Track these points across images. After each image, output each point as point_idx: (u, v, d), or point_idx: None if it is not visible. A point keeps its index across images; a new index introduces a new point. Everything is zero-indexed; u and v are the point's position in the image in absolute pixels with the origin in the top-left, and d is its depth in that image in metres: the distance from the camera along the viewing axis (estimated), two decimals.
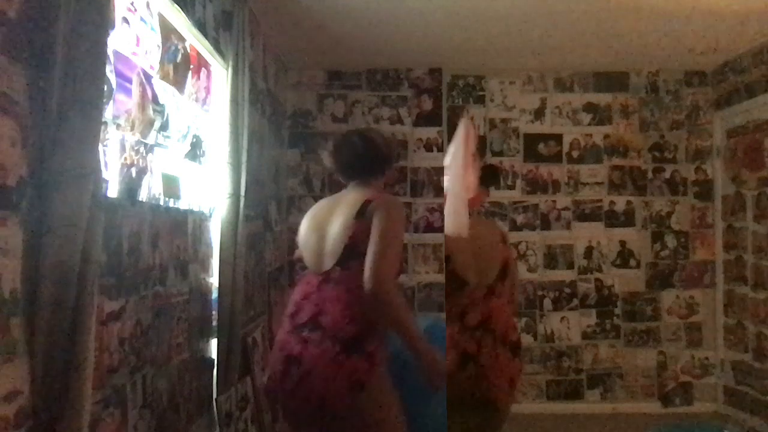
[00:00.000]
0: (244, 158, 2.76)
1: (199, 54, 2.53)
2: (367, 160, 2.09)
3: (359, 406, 1.83)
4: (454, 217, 2.48)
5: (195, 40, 2.43)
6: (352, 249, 1.91)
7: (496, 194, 4.58)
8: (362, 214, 1.92)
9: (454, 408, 2.31)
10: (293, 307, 2.01)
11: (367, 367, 1.84)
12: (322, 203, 2.15)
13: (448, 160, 2.58)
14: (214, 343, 2.62)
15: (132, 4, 1.82)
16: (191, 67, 2.42)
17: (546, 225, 4.60)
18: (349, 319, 1.87)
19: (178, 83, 2.26)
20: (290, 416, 2.05)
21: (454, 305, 2.54)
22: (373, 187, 2.07)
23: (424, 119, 4.60)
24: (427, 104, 4.61)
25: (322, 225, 2.02)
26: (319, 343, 1.86)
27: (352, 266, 1.90)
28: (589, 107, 4.64)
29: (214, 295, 2.63)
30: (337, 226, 1.96)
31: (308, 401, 1.85)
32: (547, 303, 4.56)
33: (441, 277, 4.49)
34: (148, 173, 1.94)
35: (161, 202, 2.07)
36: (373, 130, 2.21)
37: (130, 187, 1.81)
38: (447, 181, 2.64)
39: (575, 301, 4.56)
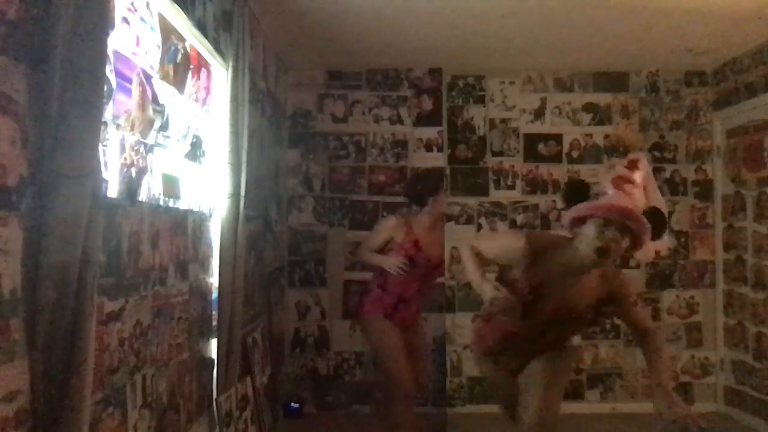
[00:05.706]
0: (244, 158, 2.75)
1: (199, 54, 2.52)
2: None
3: None
4: None
5: (195, 40, 2.43)
6: None
7: (497, 194, 4.58)
8: None
9: None
10: None
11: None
12: None
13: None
14: (214, 343, 2.62)
15: (132, 4, 1.82)
16: (191, 67, 2.42)
17: (546, 225, 4.59)
18: None
19: (178, 83, 2.26)
20: None
21: None
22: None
23: (424, 119, 4.59)
24: (427, 104, 4.60)
25: None
26: None
27: None
28: (589, 107, 4.64)
29: (214, 295, 2.63)
30: None
31: None
32: None
33: (441, 277, 4.48)
34: (148, 173, 1.94)
35: (161, 202, 2.07)
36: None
37: (130, 187, 1.80)
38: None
39: None
